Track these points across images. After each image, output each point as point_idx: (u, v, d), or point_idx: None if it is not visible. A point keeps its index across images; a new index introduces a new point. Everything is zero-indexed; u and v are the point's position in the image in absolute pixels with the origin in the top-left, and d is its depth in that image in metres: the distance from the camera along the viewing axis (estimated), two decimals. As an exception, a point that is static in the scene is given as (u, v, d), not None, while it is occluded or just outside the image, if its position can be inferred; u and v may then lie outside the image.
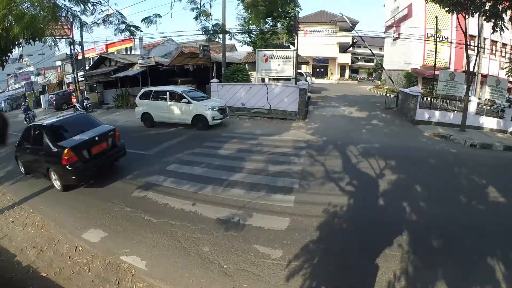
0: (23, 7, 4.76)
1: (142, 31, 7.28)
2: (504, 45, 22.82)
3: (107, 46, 30.70)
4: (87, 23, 6.61)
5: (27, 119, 17.53)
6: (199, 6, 6.62)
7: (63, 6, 5.64)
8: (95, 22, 6.60)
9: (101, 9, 6.21)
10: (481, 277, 3.34)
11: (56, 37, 6.97)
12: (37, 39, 6.09)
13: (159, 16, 6.55)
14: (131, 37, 7.17)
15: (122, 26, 6.49)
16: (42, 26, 5.18)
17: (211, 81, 15.25)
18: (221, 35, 7.73)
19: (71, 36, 18.81)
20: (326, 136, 9.86)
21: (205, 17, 6.74)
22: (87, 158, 5.95)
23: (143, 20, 6.55)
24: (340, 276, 3.43)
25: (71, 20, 6.09)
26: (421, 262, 3.56)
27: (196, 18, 6.73)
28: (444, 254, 3.72)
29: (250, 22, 22.45)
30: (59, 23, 5.94)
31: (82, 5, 5.83)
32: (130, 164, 7.60)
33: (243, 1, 20.47)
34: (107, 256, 3.92)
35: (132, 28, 6.55)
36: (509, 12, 9.48)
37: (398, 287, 3.20)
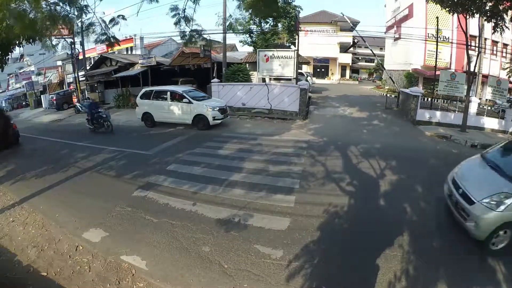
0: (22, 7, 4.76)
1: (120, 46, 7.57)
2: (505, 45, 22.76)
3: (107, 46, 30.69)
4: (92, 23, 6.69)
5: (96, 122, 11.83)
6: (179, 12, 6.63)
7: (61, 9, 5.66)
8: (78, 32, 6.75)
9: (85, 13, 6.30)
10: (481, 277, 3.33)
11: (59, 36, 7.12)
12: (37, 39, 6.12)
13: (124, 18, 6.71)
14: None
15: (103, 37, 6.60)
16: (42, 26, 5.19)
17: (211, 81, 15.26)
18: (198, 40, 7.79)
19: (71, 36, 18.86)
20: (326, 137, 9.86)
21: (186, 23, 6.74)
22: None
23: (110, 21, 6.67)
24: (341, 276, 3.42)
25: (68, 24, 6.12)
26: (421, 262, 3.56)
27: (176, 24, 6.76)
28: (445, 254, 3.72)
29: (251, 21, 22.50)
30: (59, 24, 5.95)
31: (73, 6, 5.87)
32: (131, 164, 7.61)
33: (243, 1, 20.47)
34: (107, 255, 3.92)
35: (112, 39, 6.67)
36: (509, 12, 9.46)
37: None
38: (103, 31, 6.56)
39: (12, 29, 4.71)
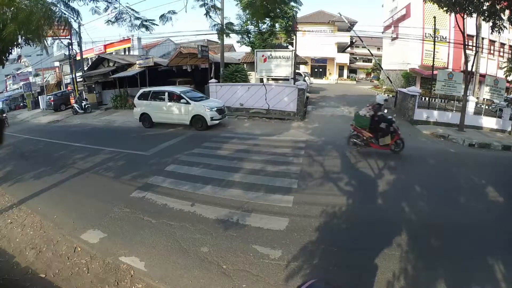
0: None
1: (157, 25, 7.30)
2: (502, 44, 22.92)
3: (105, 46, 30.65)
4: (83, 24, 6.57)
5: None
6: (207, 2, 6.37)
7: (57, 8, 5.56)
8: (109, 21, 6.46)
9: (114, 7, 6.04)
10: (481, 277, 3.34)
11: (55, 37, 6.91)
12: (36, 40, 6.02)
13: (175, 12, 6.41)
14: (147, 31, 6.92)
15: (137, 22, 6.29)
16: (39, 24, 5.10)
17: (209, 81, 15.26)
18: (231, 33, 7.58)
19: (69, 37, 18.79)
20: (324, 136, 9.87)
21: (216, 12, 6.48)
22: None
23: (160, 17, 6.43)
24: (339, 276, 3.43)
25: (64, 23, 5.98)
26: (420, 262, 3.57)
27: (206, 14, 6.49)
28: (443, 254, 3.73)
29: (248, 22, 22.55)
30: (55, 23, 5.85)
31: (82, 2, 5.75)
32: (129, 164, 7.60)
33: (241, 1, 20.45)
34: (106, 257, 3.90)
35: (147, 23, 6.36)
36: (507, 11, 9.51)
37: (397, 287, 3.21)
38: (135, 17, 6.25)
39: (6, 27, 4.61)
